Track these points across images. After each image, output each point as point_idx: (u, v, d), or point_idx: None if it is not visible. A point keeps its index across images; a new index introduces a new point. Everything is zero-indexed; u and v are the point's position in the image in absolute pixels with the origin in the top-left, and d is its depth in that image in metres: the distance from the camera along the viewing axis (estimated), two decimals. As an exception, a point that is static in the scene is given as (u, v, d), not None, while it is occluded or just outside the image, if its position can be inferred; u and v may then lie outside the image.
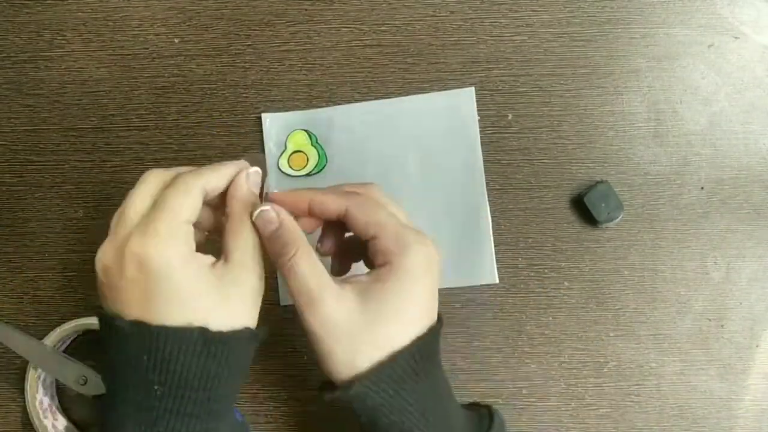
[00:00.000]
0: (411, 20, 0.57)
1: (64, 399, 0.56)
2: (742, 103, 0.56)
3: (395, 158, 0.56)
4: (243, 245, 0.40)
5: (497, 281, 0.55)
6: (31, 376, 0.53)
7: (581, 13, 0.57)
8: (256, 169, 0.43)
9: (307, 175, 0.56)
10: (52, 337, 0.53)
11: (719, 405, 0.55)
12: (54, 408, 0.55)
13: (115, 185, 0.57)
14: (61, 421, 0.55)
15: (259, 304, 0.41)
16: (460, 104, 0.56)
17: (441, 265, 0.43)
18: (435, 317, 0.44)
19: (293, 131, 0.56)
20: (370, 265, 0.45)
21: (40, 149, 0.58)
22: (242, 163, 0.43)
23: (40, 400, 0.54)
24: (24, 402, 0.53)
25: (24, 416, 0.55)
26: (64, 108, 0.58)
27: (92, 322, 0.53)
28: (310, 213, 0.43)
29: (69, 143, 0.57)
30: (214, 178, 0.41)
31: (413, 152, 0.56)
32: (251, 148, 0.57)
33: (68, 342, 0.55)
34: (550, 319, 0.55)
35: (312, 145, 0.56)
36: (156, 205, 0.39)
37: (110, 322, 0.39)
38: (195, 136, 0.57)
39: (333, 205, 0.42)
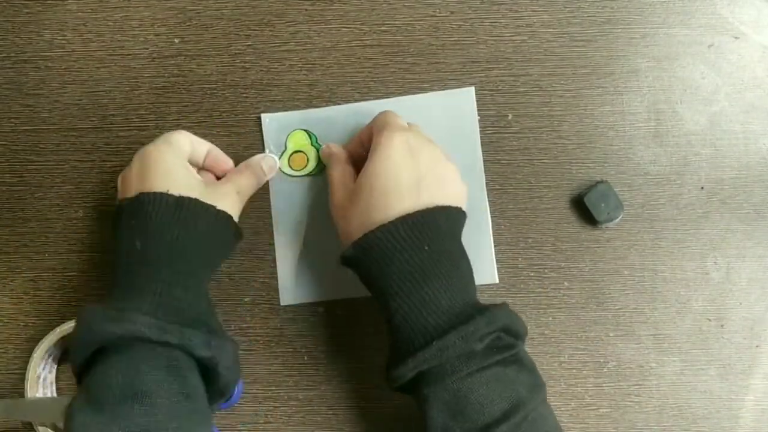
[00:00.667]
0: (411, 20, 0.57)
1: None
2: (742, 103, 0.56)
3: None
4: (235, 177, 0.53)
5: (497, 281, 0.55)
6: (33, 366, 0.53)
7: (581, 13, 0.57)
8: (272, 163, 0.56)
9: (308, 174, 0.56)
10: (51, 338, 0.53)
11: (719, 405, 0.55)
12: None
13: (115, 185, 0.57)
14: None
15: (238, 210, 0.52)
16: (460, 104, 0.56)
17: (432, 150, 0.49)
18: (437, 201, 0.46)
19: (293, 131, 0.56)
20: None
21: (40, 149, 0.58)
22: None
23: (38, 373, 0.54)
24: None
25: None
26: (64, 108, 0.58)
27: None
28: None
29: (69, 143, 0.57)
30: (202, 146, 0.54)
31: None
32: (251, 148, 0.57)
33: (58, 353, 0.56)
34: (550, 319, 0.55)
35: (312, 144, 0.56)
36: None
37: (116, 205, 0.49)
38: (195, 136, 0.57)
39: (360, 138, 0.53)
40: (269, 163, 0.55)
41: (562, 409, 0.55)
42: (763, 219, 0.56)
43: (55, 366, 0.56)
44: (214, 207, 0.49)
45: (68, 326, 0.53)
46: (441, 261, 0.46)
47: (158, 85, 0.57)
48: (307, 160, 0.56)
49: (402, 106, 0.56)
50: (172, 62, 0.57)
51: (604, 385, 0.55)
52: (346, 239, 0.48)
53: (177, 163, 0.50)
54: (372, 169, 0.48)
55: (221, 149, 0.56)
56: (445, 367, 0.43)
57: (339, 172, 0.52)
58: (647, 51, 0.56)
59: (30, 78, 0.58)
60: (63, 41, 0.58)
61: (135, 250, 0.46)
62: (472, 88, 0.56)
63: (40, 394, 0.54)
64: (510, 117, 0.56)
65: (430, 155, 0.48)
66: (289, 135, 0.56)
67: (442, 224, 0.47)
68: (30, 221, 0.57)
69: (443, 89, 0.56)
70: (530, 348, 0.55)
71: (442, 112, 0.56)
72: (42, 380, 0.54)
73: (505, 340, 0.44)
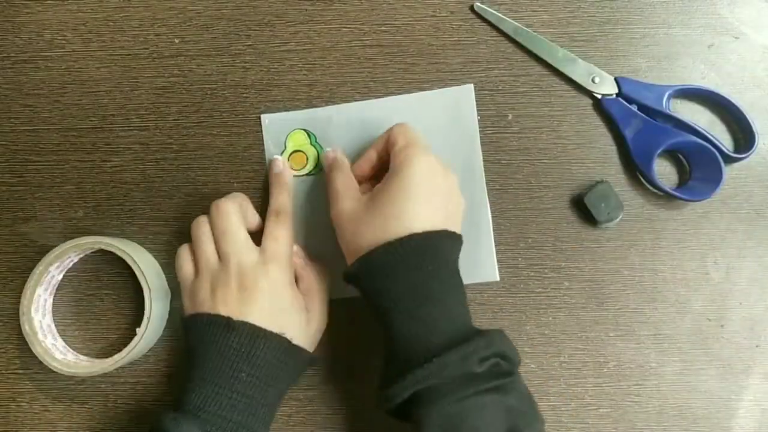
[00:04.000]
0: (411, 20, 0.57)
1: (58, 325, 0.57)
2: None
3: None
4: (307, 276, 0.53)
5: (498, 278, 0.55)
6: (27, 296, 0.54)
7: (581, 13, 0.57)
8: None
9: (308, 174, 0.56)
10: (68, 246, 0.54)
11: (719, 405, 0.55)
12: (53, 329, 0.56)
13: (115, 185, 0.57)
14: (61, 342, 0.56)
15: (320, 330, 0.53)
16: (460, 101, 0.56)
17: (448, 178, 0.49)
18: (445, 226, 0.47)
19: (292, 131, 0.56)
20: None
21: (40, 149, 0.58)
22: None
23: (38, 321, 0.54)
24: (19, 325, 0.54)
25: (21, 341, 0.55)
26: (64, 108, 0.58)
27: (109, 242, 0.54)
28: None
29: (69, 143, 0.57)
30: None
31: None
32: (251, 148, 0.57)
33: (75, 259, 0.57)
34: (550, 319, 0.55)
35: (311, 144, 0.56)
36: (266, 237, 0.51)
37: (215, 319, 0.48)
38: (195, 136, 0.57)
39: (381, 140, 0.52)
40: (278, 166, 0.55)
41: (562, 409, 0.55)
42: (763, 219, 0.56)
43: (55, 289, 0.57)
44: (309, 354, 0.51)
45: (88, 240, 0.54)
46: (443, 282, 0.46)
47: (158, 85, 0.57)
48: (307, 159, 0.56)
49: (401, 104, 0.56)
50: (172, 62, 0.57)
51: (604, 385, 0.55)
52: (354, 252, 0.48)
53: (285, 296, 0.50)
54: (395, 186, 0.47)
55: (221, 149, 0.56)
56: (442, 389, 0.42)
57: (343, 182, 0.51)
58: (647, 51, 0.56)
59: (30, 78, 0.58)
60: (63, 41, 0.58)
61: (238, 376, 0.46)
62: (471, 86, 0.56)
63: (37, 317, 0.54)
64: (510, 117, 0.56)
65: (448, 182, 0.49)
66: (288, 134, 0.56)
67: (447, 248, 0.47)
68: (30, 221, 0.57)
69: (443, 89, 0.56)
70: (530, 348, 0.55)
71: (442, 111, 0.56)
72: (43, 302, 0.55)
73: (503, 366, 0.44)
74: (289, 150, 0.56)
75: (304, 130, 0.56)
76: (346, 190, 0.51)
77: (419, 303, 0.45)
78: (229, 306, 0.48)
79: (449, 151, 0.55)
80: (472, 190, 0.55)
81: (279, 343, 0.48)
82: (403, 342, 0.45)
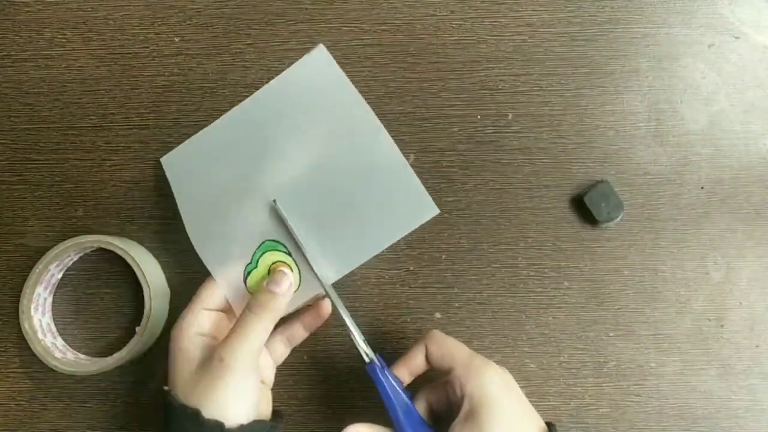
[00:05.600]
0: (411, 19, 0.57)
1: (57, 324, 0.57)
2: (743, 103, 0.56)
3: (283, 149, 0.53)
4: (231, 348, 0.47)
5: (438, 211, 0.51)
6: (26, 296, 0.54)
7: (582, 12, 0.57)
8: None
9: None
10: (68, 244, 0.54)
11: (719, 405, 0.55)
12: (53, 328, 0.56)
13: (115, 184, 0.57)
14: (60, 341, 0.56)
15: (255, 399, 0.48)
16: (319, 66, 0.53)
17: (514, 382, 0.47)
18: (542, 425, 0.46)
19: (263, 252, 0.52)
20: (456, 404, 0.47)
21: (40, 148, 0.58)
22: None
23: (38, 320, 0.54)
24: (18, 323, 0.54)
25: (20, 338, 0.55)
26: (64, 107, 0.58)
27: (109, 240, 0.54)
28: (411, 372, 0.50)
29: (69, 142, 0.57)
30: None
31: (298, 132, 0.53)
32: (251, 147, 0.57)
33: (75, 258, 0.57)
34: (550, 318, 0.55)
35: (286, 253, 0.52)
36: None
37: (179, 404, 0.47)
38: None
39: (419, 353, 0.49)
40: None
41: (562, 409, 0.55)
42: (763, 219, 0.56)
43: (55, 287, 0.57)
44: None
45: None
46: None
47: (158, 84, 0.57)
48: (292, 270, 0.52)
49: (268, 97, 0.53)
50: (172, 61, 0.57)
51: (604, 385, 0.55)
52: None
53: (239, 389, 0.47)
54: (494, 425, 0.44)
55: (221, 148, 0.56)
56: None
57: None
58: (648, 51, 0.56)
59: (30, 76, 0.58)
60: (63, 40, 0.58)
61: None
62: (321, 45, 0.53)
63: (37, 316, 0.54)
64: (510, 117, 0.56)
65: (510, 378, 0.47)
66: (259, 255, 0.52)
67: None
68: (30, 220, 0.57)
69: (443, 88, 0.56)
70: (530, 348, 0.55)
71: (309, 83, 0.53)
72: (42, 301, 0.55)
73: None
74: (262, 270, 0.52)
75: (275, 241, 0.52)
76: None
77: None
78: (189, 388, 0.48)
79: (336, 116, 0.52)
80: (371, 136, 0.52)
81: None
82: None
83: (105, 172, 0.57)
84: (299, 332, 0.53)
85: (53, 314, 0.56)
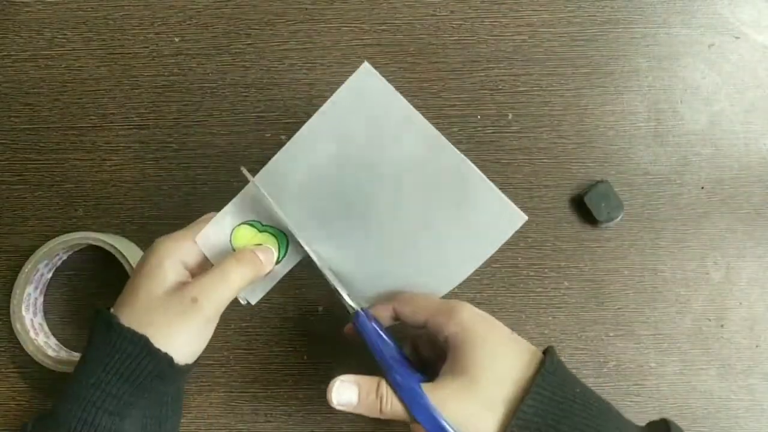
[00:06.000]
0: (411, 19, 0.57)
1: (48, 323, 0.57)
2: (743, 103, 0.56)
3: (355, 179, 0.49)
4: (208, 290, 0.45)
5: (526, 218, 0.48)
6: (17, 293, 0.54)
7: (582, 12, 0.57)
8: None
9: (277, 262, 0.50)
10: (56, 243, 0.54)
11: (719, 405, 0.55)
12: (45, 328, 0.56)
13: (115, 184, 0.57)
14: (53, 340, 0.56)
15: (205, 344, 0.46)
16: (365, 83, 0.47)
17: (492, 317, 0.46)
18: (534, 352, 0.44)
19: (234, 229, 0.49)
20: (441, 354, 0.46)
21: (40, 148, 0.58)
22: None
23: (29, 320, 0.55)
24: (9, 321, 0.54)
25: (11, 337, 0.55)
26: (64, 107, 0.58)
27: (96, 237, 0.54)
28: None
29: (69, 142, 0.57)
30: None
31: (362, 160, 0.48)
32: (251, 147, 0.57)
33: (63, 257, 0.57)
34: (550, 318, 0.55)
35: (260, 233, 0.49)
36: None
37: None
38: (195, 135, 0.57)
39: (386, 312, 0.48)
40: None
41: (562, 408, 0.55)
42: (763, 219, 0.56)
43: (45, 286, 0.57)
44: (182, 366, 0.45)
45: (77, 236, 0.54)
46: (593, 398, 0.44)
47: (158, 84, 0.57)
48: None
49: (318, 128, 0.48)
50: (172, 61, 0.57)
51: (604, 385, 0.55)
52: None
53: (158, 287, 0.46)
54: (478, 361, 0.43)
55: (221, 148, 0.56)
56: None
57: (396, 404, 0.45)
58: (648, 51, 0.56)
59: (30, 76, 0.58)
60: (63, 40, 0.58)
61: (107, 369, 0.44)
62: (365, 62, 0.47)
63: (28, 316, 0.54)
64: (510, 117, 0.56)
65: (487, 314, 0.46)
66: (232, 236, 0.49)
67: (560, 365, 0.45)
68: (30, 220, 0.57)
69: (443, 88, 0.56)
70: (530, 348, 0.55)
71: (358, 106, 0.48)
72: (33, 301, 0.55)
73: None
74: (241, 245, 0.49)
75: (247, 223, 0.49)
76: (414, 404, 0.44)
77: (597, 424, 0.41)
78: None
79: (391, 138, 0.48)
80: (441, 154, 0.47)
81: None
82: None
83: (105, 172, 0.57)
84: None
85: (46, 314, 0.57)
